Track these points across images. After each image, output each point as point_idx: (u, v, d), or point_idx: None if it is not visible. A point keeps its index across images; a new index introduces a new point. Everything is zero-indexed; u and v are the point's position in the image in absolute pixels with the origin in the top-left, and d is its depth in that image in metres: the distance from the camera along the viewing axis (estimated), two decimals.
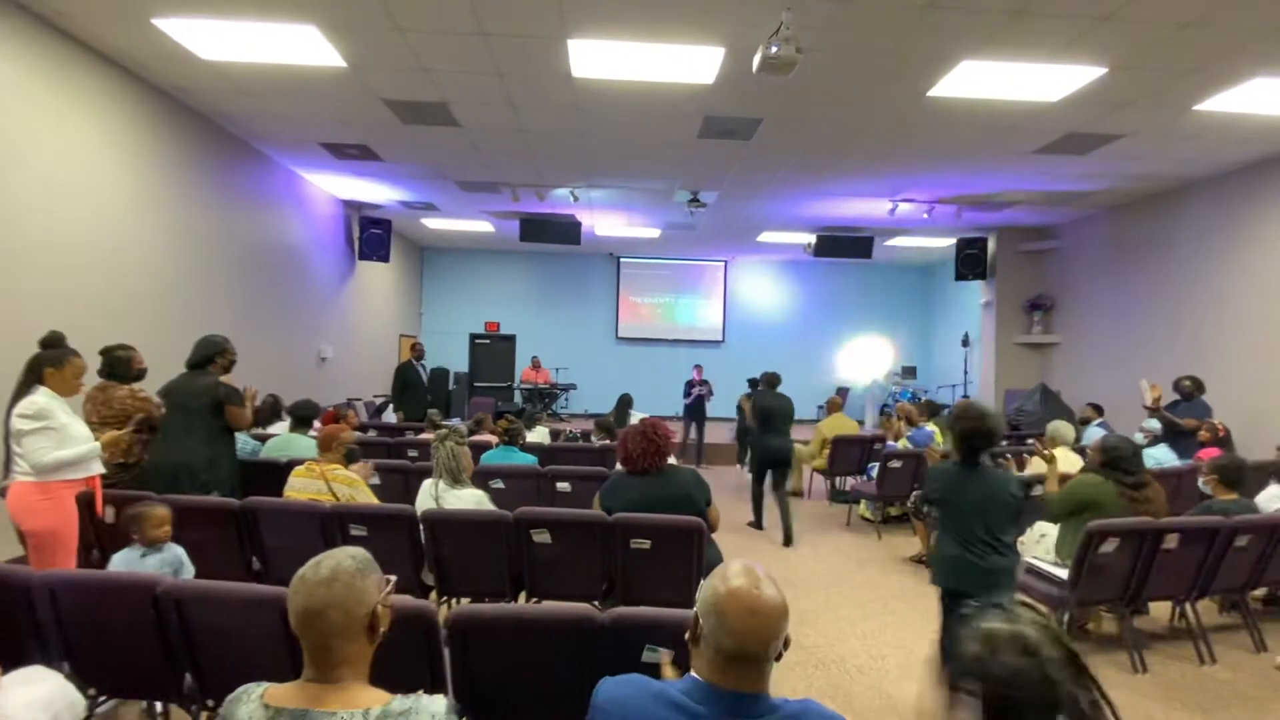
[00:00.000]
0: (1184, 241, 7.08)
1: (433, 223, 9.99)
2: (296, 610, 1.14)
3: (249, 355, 6.16)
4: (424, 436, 5.23)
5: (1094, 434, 6.25)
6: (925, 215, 8.34)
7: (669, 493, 2.77)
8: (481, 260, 12.37)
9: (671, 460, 2.90)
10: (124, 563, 2.45)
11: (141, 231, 5.16)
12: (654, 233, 10.26)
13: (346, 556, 1.19)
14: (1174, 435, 5.45)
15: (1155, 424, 5.71)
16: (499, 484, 3.92)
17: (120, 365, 3.53)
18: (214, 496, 3.30)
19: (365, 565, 1.20)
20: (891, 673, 3.16)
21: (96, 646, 2.03)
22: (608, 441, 5.35)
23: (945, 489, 2.56)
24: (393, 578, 1.27)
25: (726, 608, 1.10)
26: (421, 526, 2.93)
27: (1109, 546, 2.99)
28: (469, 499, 3.00)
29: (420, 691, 1.17)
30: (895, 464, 5.52)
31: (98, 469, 2.96)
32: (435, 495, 3.00)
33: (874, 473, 5.81)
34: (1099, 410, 6.62)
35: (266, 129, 6.15)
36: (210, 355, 3.62)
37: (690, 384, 9.20)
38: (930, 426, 6.24)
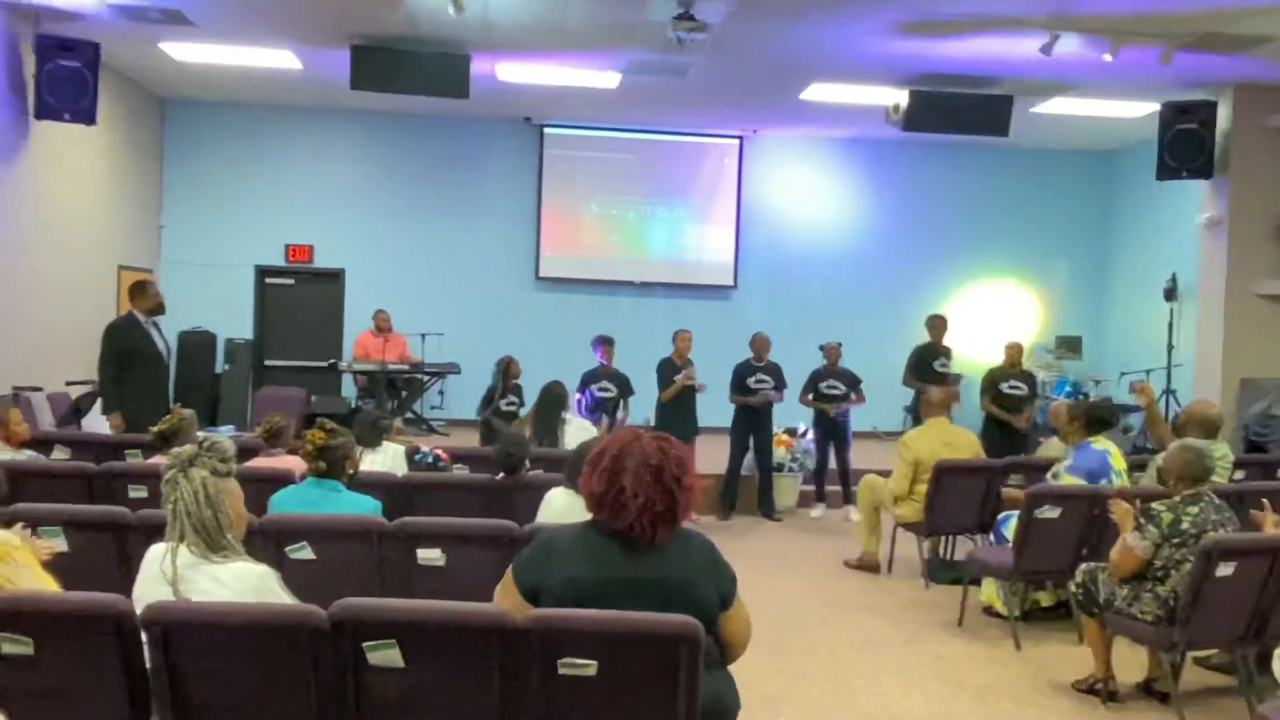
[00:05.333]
0: None
1: (183, 50, 9.83)
2: None
3: None
4: (156, 460, 5.09)
5: None
6: (1107, 58, 8.38)
7: (660, 575, 2.69)
8: (280, 127, 12.27)
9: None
10: None
11: None
12: (609, 79, 10.26)
13: None
14: None
15: None
16: (304, 552, 3.96)
17: None
18: None
19: None
20: None
21: None
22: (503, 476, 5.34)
23: None
24: None
25: None
26: (145, 635, 2.85)
27: None
28: (238, 581, 2.94)
29: None
30: (1048, 513, 5.54)
31: None
32: (172, 575, 2.91)
33: (1007, 529, 5.82)
34: None
35: None
36: None
37: (666, 365, 9.17)
38: (1101, 445, 6.26)
